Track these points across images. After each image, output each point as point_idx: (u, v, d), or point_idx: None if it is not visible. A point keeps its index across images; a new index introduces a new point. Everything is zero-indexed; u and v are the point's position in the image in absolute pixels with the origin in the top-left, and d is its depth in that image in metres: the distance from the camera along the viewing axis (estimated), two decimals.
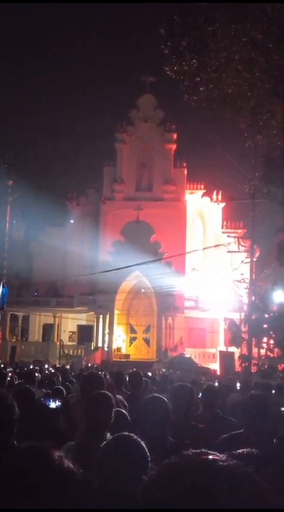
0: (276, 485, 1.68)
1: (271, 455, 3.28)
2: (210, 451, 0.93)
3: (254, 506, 0.84)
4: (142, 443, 2.14)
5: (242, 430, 3.75)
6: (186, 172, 44.96)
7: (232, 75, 11.15)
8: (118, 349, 40.44)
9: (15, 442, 2.63)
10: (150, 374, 17.13)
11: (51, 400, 6.78)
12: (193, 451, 0.93)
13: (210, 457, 0.91)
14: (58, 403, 6.63)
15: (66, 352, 37.57)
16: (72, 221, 46.17)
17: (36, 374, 14.00)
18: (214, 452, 0.93)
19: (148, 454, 2.11)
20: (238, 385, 12.89)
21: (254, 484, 0.87)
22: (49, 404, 6.45)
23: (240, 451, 2.18)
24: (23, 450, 1.14)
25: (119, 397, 5.40)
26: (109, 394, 3.49)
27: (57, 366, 28.67)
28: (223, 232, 43.10)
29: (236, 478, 0.86)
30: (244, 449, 2.21)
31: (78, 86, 78.86)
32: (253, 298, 25.35)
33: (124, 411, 4.59)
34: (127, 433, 2.21)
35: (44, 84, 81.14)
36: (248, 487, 0.86)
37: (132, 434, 2.19)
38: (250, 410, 3.66)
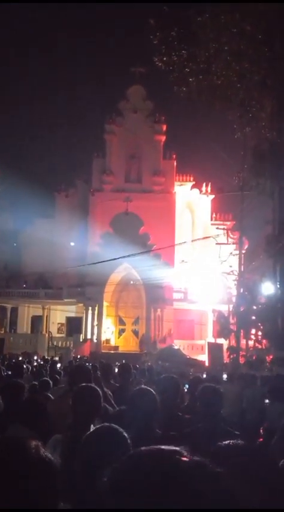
0: (261, 477, 1.67)
1: (257, 447, 3.29)
2: (172, 447, 0.91)
3: (218, 506, 0.82)
4: (124, 434, 2.14)
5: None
6: (175, 164, 44.91)
7: (221, 66, 11.11)
8: (107, 341, 40.47)
9: None
10: (138, 366, 17.16)
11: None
12: (155, 447, 0.92)
13: (176, 456, 0.88)
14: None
15: (54, 344, 37.55)
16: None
17: (25, 366, 13.98)
18: (176, 448, 0.91)
19: (130, 445, 2.10)
20: (224, 376, 12.97)
21: (219, 483, 0.85)
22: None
23: (226, 442, 2.18)
24: None
25: (106, 389, 5.40)
26: (96, 387, 3.48)
27: (46, 357, 28.65)
28: (212, 225, 43.18)
29: (201, 477, 0.84)
30: (230, 441, 2.21)
31: (67, 76, 78.25)
32: (242, 290, 25.48)
33: (106, 404, 4.58)
34: (108, 424, 2.20)
35: (31, 75, 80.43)
36: (214, 486, 0.84)
37: (113, 426, 2.19)
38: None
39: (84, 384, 3.48)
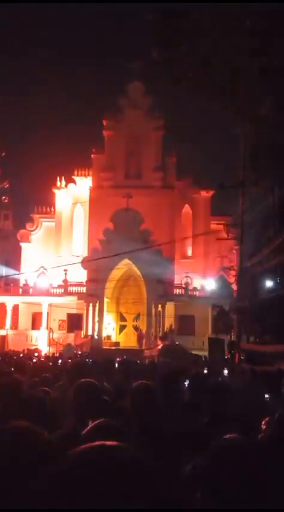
0: (259, 472, 1.68)
1: (257, 442, 3.31)
2: (113, 443, 0.94)
3: (149, 503, 0.85)
4: (123, 429, 2.15)
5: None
6: (175, 159, 44.87)
7: (220, 61, 11.06)
8: (108, 337, 40.54)
9: None
10: (138, 361, 17.18)
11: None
12: (96, 443, 0.94)
13: (115, 451, 0.92)
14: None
15: (56, 340, 37.63)
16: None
17: (30, 362, 14.02)
18: (116, 443, 0.94)
19: (130, 439, 2.11)
20: (225, 371, 13.00)
21: (152, 480, 0.89)
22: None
23: (226, 437, 2.18)
24: (9, 429, 1.17)
25: (106, 385, 5.42)
26: (96, 383, 3.50)
27: (47, 354, 28.72)
28: (212, 220, 43.18)
29: (136, 473, 0.88)
30: (230, 436, 2.21)
31: (66, 72, 78.20)
32: (242, 285, 25.47)
33: (107, 398, 4.60)
34: (107, 420, 2.21)
35: (31, 71, 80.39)
36: (147, 482, 0.88)
37: (112, 421, 2.20)
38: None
39: (84, 380, 3.49)
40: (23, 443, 1.13)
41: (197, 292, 39.73)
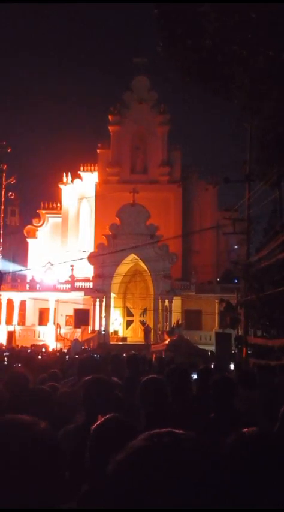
0: (275, 464, 1.69)
1: (272, 434, 3.32)
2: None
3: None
4: (131, 424, 2.17)
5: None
6: (181, 154, 44.78)
7: (225, 56, 11.02)
8: (116, 333, 40.62)
9: None
10: (146, 356, 17.23)
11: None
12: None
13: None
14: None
15: (63, 336, 37.76)
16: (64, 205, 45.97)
17: (39, 357, 14.10)
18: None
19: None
20: (231, 366, 13.02)
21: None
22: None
23: (244, 430, 2.20)
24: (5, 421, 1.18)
25: (115, 379, 5.45)
26: (106, 378, 3.52)
27: (55, 349, 28.85)
28: (218, 214, 43.08)
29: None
30: (247, 429, 2.23)
31: (71, 68, 78.12)
32: (249, 279, 25.42)
33: (119, 394, 4.63)
34: (116, 415, 2.23)
35: (37, 68, 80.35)
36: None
37: (120, 417, 2.22)
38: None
39: (93, 375, 3.52)
40: (12, 433, 1.14)
41: (204, 287, 39.70)
